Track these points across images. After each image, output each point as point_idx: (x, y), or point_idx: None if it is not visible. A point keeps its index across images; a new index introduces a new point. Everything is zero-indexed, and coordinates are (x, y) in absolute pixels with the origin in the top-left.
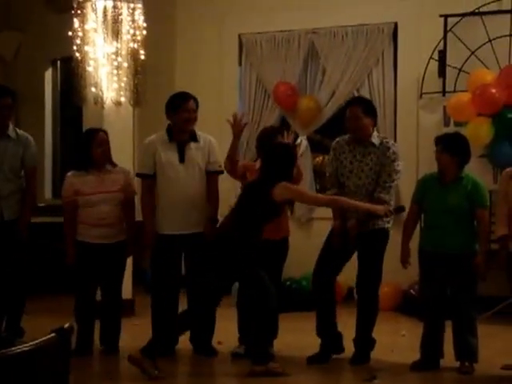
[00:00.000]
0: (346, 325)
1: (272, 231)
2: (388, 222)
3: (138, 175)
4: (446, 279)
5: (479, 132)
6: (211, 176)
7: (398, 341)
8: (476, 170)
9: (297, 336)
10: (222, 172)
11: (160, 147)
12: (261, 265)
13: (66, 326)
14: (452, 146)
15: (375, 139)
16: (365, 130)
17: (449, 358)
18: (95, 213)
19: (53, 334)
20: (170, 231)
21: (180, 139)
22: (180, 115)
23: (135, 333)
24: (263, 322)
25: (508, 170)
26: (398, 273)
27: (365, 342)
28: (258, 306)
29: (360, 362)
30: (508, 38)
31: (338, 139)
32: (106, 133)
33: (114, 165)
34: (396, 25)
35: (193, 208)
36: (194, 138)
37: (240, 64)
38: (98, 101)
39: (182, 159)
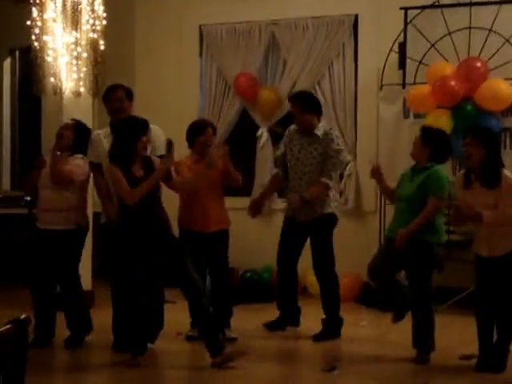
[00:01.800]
0: (304, 315)
1: (202, 224)
2: (333, 207)
3: (89, 164)
4: (400, 266)
5: (438, 124)
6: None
7: (358, 332)
8: None
9: (259, 326)
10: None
11: (104, 138)
12: (194, 257)
13: (23, 317)
14: (428, 137)
15: (319, 131)
16: (307, 125)
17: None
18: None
19: (9, 326)
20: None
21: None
22: (108, 106)
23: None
24: (202, 315)
25: (459, 175)
26: (359, 264)
27: (332, 320)
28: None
29: (324, 339)
30: (467, 30)
31: (291, 126)
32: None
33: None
34: (357, 17)
35: None
36: None
37: (200, 55)
38: (57, 91)
39: None
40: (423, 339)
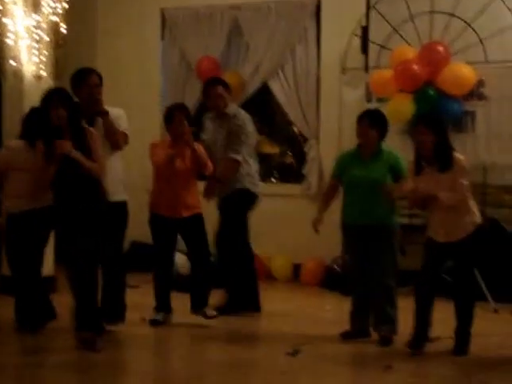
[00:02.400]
0: (265, 299)
1: (173, 210)
2: (247, 183)
3: None
4: (368, 251)
5: (401, 108)
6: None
7: (322, 315)
8: (397, 145)
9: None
10: (125, 134)
11: None
12: (164, 242)
13: None
14: (375, 121)
15: (230, 110)
16: (219, 103)
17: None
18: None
19: None
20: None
21: (88, 115)
22: (84, 90)
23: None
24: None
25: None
26: (322, 248)
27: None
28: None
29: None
30: (429, 14)
31: (205, 114)
32: None
33: None
34: (319, 1)
35: (113, 183)
36: (102, 112)
37: (162, 39)
38: (18, 74)
39: None
40: (388, 320)
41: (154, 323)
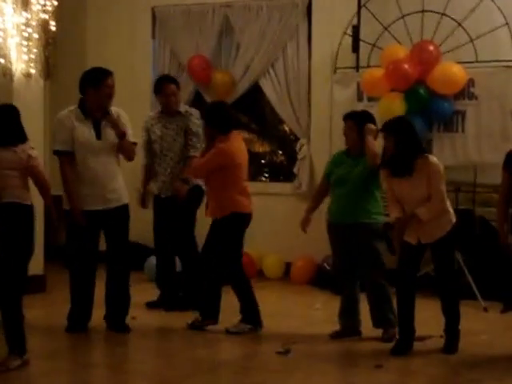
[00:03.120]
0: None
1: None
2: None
3: (55, 152)
4: (352, 250)
5: (392, 107)
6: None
7: (312, 314)
8: None
9: None
10: (135, 143)
11: (77, 124)
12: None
13: None
14: (358, 122)
15: (182, 108)
16: (172, 100)
17: (367, 328)
18: None
19: None
20: (89, 207)
21: (95, 116)
22: (102, 91)
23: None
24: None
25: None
26: (312, 247)
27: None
28: None
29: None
30: (420, 14)
31: (149, 114)
32: None
33: None
34: (310, 0)
35: (111, 184)
36: (106, 113)
37: (153, 37)
38: (7, 73)
39: (98, 136)
40: (385, 317)
41: (150, 306)
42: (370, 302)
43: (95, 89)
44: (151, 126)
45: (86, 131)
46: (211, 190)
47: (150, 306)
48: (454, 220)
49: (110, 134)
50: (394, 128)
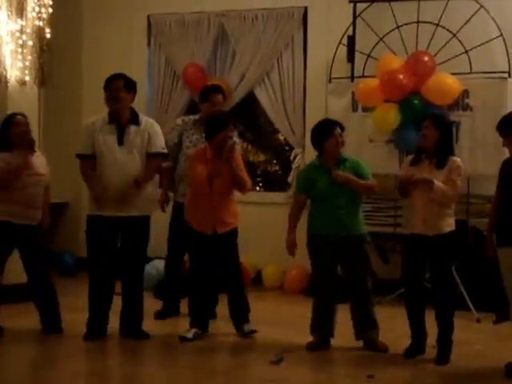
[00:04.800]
0: (253, 306)
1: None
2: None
3: (77, 156)
4: (337, 259)
5: (386, 117)
6: (151, 158)
7: (304, 323)
8: (382, 154)
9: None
10: (164, 155)
11: (99, 129)
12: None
13: None
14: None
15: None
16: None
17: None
18: (25, 194)
19: None
20: (107, 213)
21: (119, 121)
22: (109, 94)
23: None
24: None
25: (407, 158)
26: (305, 256)
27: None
28: None
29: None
30: (415, 24)
31: (181, 118)
32: (24, 116)
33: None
34: (306, 9)
35: (131, 190)
36: (135, 120)
37: (149, 45)
38: (2, 80)
39: (120, 142)
40: (373, 321)
41: (182, 340)
42: (358, 310)
43: (105, 93)
44: (186, 130)
45: (107, 136)
46: (223, 201)
47: (159, 317)
48: (453, 228)
49: (132, 141)
50: (441, 124)
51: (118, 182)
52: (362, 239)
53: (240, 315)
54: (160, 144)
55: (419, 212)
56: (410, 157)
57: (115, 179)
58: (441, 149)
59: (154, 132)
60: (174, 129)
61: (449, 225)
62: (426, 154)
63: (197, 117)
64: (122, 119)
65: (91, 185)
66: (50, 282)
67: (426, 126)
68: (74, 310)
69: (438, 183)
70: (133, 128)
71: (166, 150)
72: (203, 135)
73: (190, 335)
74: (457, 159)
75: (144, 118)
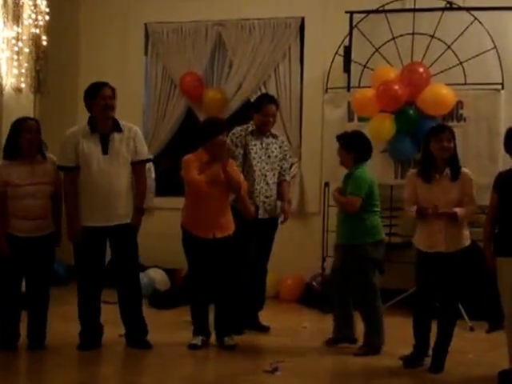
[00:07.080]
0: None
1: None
2: None
3: (59, 168)
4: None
5: (381, 128)
6: (137, 166)
7: (299, 332)
8: (378, 164)
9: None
10: (148, 160)
11: (82, 139)
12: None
13: None
14: (348, 144)
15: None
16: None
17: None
18: (24, 205)
19: None
20: (95, 223)
21: (103, 130)
22: (99, 102)
23: None
24: None
25: (410, 174)
26: (301, 265)
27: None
28: None
29: None
30: (411, 36)
31: (236, 128)
32: (37, 122)
33: (44, 155)
34: (303, 19)
35: (117, 200)
36: (117, 128)
37: (146, 54)
38: None
39: (105, 151)
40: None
41: (192, 347)
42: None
43: (94, 101)
44: (246, 142)
45: (91, 145)
46: (221, 206)
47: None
48: (469, 238)
49: (117, 149)
50: (454, 135)
51: (104, 192)
52: (355, 249)
53: (223, 327)
54: (145, 151)
55: (440, 233)
56: (414, 170)
57: (101, 189)
58: (454, 161)
59: (138, 139)
60: (234, 141)
61: (466, 237)
62: (433, 167)
63: (249, 127)
64: (105, 128)
65: (69, 200)
66: (48, 296)
67: (447, 139)
68: (66, 320)
69: (460, 212)
70: (117, 136)
71: (151, 156)
72: (268, 148)
73: (198, 342)
74: (468, 171)
75: (125, 125)
